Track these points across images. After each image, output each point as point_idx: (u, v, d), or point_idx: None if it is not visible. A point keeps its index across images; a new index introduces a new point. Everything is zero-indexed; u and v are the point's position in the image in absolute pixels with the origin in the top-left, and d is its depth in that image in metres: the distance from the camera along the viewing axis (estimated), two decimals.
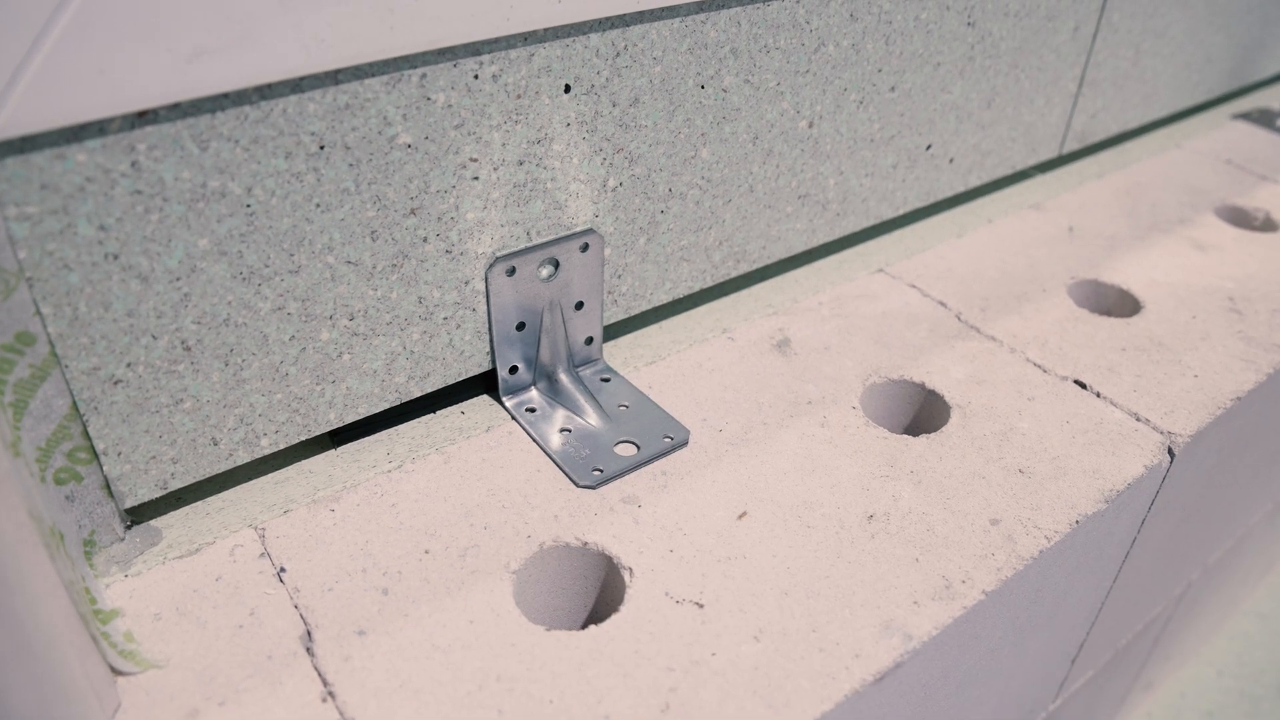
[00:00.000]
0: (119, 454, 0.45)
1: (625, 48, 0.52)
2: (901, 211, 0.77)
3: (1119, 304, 0.74)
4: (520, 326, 0.56)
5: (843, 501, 0.52)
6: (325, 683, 0.42)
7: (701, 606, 0.46)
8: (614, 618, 0.45)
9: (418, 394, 0.55)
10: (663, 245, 0.62)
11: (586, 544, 0.49)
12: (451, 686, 0.42)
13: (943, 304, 0.71)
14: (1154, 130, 1.04)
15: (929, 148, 0.75)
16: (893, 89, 0.69)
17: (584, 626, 0.45)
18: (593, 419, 0.57)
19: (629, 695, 0.42)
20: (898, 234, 0.80)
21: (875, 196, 0.74)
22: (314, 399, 0.51)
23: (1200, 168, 0.94)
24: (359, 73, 0.44)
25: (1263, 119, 1.07)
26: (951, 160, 0.78)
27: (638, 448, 0.55)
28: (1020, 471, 0.55)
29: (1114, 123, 0.94)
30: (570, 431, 0.56)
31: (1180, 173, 0.93)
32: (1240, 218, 0.86)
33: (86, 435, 0.44)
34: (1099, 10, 0.82)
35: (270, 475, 0.53)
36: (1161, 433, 0.58)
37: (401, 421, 0.57)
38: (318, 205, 0.45)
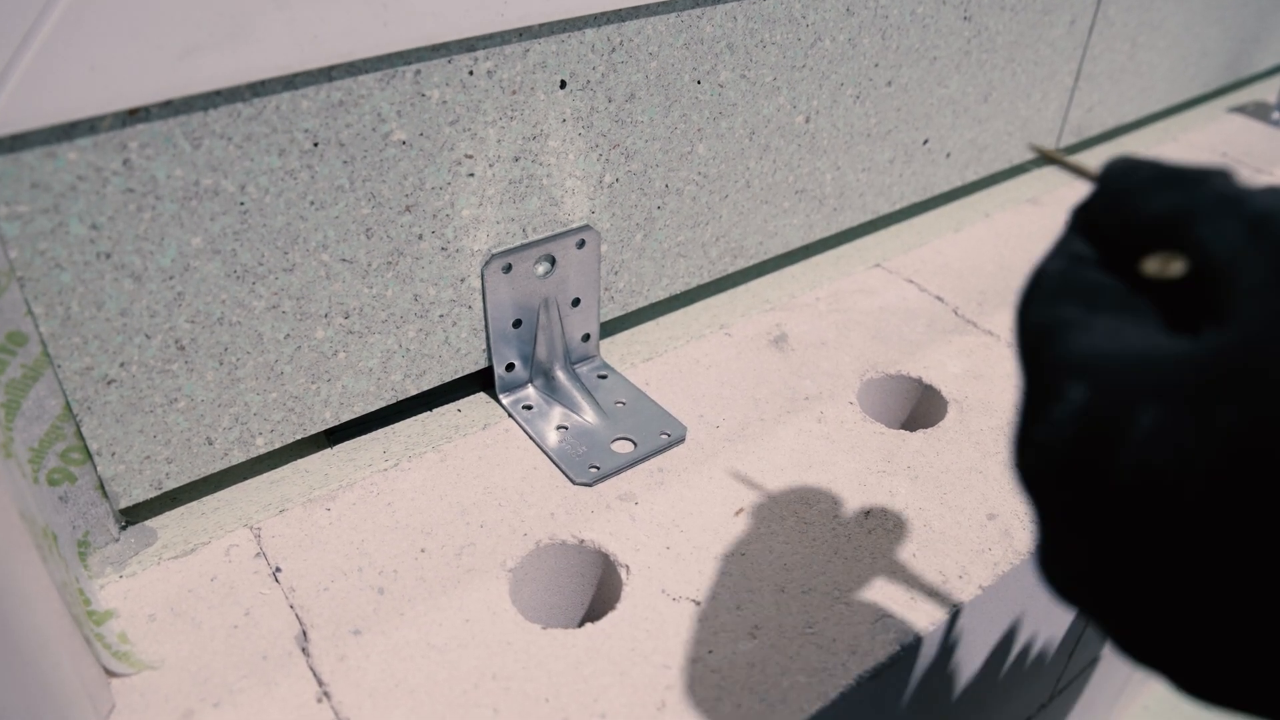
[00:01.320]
0: (113, 454, 0.45)
1: (621, 43, 0.52)
2: (898, 206, 0.77)
3: None
4: (517, 324, 0.56)
5: (840, 497, 0.52)
6: (320, 683, 0.42)
7: (698, 604, 0.46)
8: (610, 615, 0.45)
9: (414, 392, 0.55)
10: (659, 241, 0.61)
11: (583, 541, 0.49)
12: (447, 686, 0.42)
13: (940, 299, 0.71)
14: (1150, 124, 1.04)
15: (926, 142, 0.75)
16: (889, 84, 0.69)
17: (581, 624, 0.45)
18: (590, 416, 0.57)
19: (625, 693, 0.42)
20: (894, 229, 0.80)
21: (872, 191, 0.74)
22: (309, 398, 0.50)
23: (1195, 161, 0.94)
24: (353, 69, 0.44)
25: (1258, 112, 1.07)
26: (948, 155, 0.78)
27: (635, 445, 0.55)
28: None
29: (1110, 116, 0.93)
30: (567, 429, 0.56)
31: None
32: None
33: (80, 435, 0.44)
34: (1095, 3, 0.81)
35: (265, 474, 0.52)
36: None
37: (398, 419, 0.56)
38: (312, 203, 0.45)
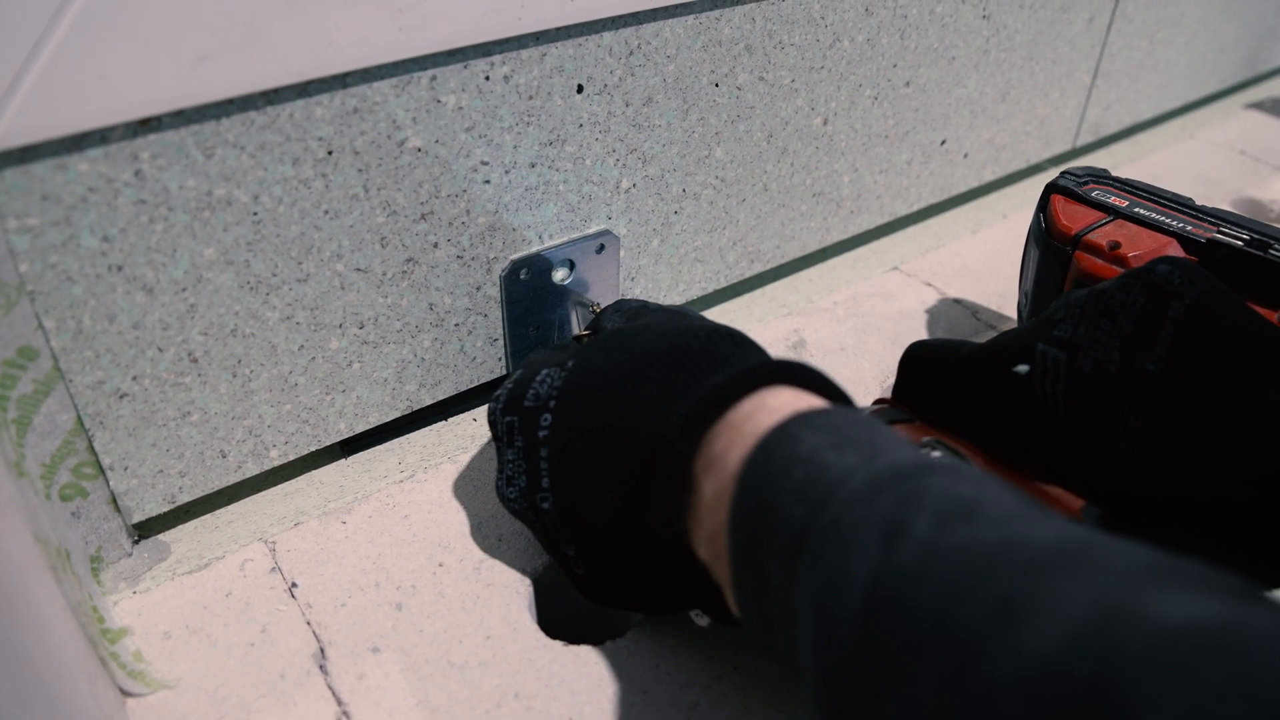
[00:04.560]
0: (126, 468, 0.44)
1: (638, 46, 0.51)
2: (916, 208, 0.76)
3: None
4: (535, 329, 0.55)
5: None
6: (340, 702, 0.41)
7: None
8: (632, 632, 0.44)
9: (429, 402, 0.54)
10: (676, 247, 0.60)
11: None
12: (469, 705, 0.41)
13: (959, 302, 0.70)
14: (1167, 121, 1.02)
15: (943, 143, 0.74)
16: (908, 84, 0.67)
17: (602, 641, 0.44)
18: None
19: (649, 712, 0.41)
20: (911, 230, 0.79)
21: (889, 193, 0.73)
22: (323, 409, 0.50)
23: (1214, 159, 0.93)
24: (368, 75, 0.43)
25: (1276, 108, 1.05)
26: (966, 155, 0.77)
27: None
28: None
29: (1128, 114, 0.92)
30: None
31: (1195, 164, 0.92)
32: (1257, 210, 0.85)
33: (92, 450, 0.43)
34: (1114, 0, 0.80)
35: (280, 486, 0.52)
36: None
37: (413, 429, 0.55)
38: (326, 212, 0.44)
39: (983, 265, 0.74)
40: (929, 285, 0.71)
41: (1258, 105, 1.06)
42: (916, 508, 0.28)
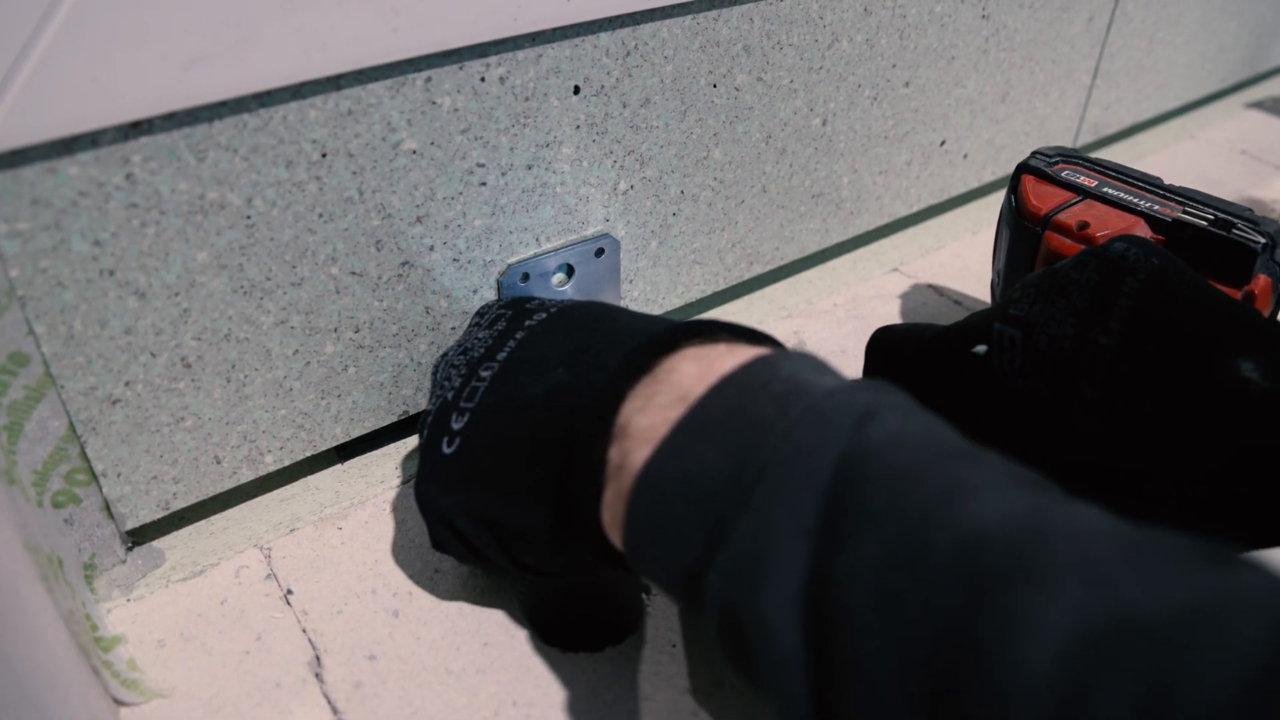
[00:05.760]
0: (119, 475, 0.44)
1: (636, 47, 0.51)
2: (915, 209, 0.75)
3: None
4: None
5: None
6: (336, 710, 0.40)
7: None
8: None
9: (426, 406, 0.53)
10: (675, 249, 0.60)
11: None
12: (466, 713, 0.40)
13: (959, 303, 0.69)
14: (1167, 120, 1.02)
15: (943, 144, 0.73)
16: (907, 84, 0.67)
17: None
18: None
19: (649, 719, 0.40)
20: (911, 231, 0.79)
21: (889, 194, 0.72)
22: (319, 414, 0.49)
23: (1215, 159, 0.93)
24: (362, 77, 0.42)
25: (1276, 108, 1.05)
26: (965, 156, 0.76)
27: None
28: None
29: (1128, 114, 0.92)
30: None
31: (1195, 164, 0.92)
32: (1259, 209, 0.85)
33: (85, 456, 0.42)
34: (1113, 0, 0.80)
35: (275, 492, 0.51)
36: None
37: (409, 434, 0.55)
38: (320, 215, 0.44)
39: (983, 266, 0.74)
40: (929, 286, 0.71)
41: (1258, 104, 1.06)
42: (886, 406, 0.31)
